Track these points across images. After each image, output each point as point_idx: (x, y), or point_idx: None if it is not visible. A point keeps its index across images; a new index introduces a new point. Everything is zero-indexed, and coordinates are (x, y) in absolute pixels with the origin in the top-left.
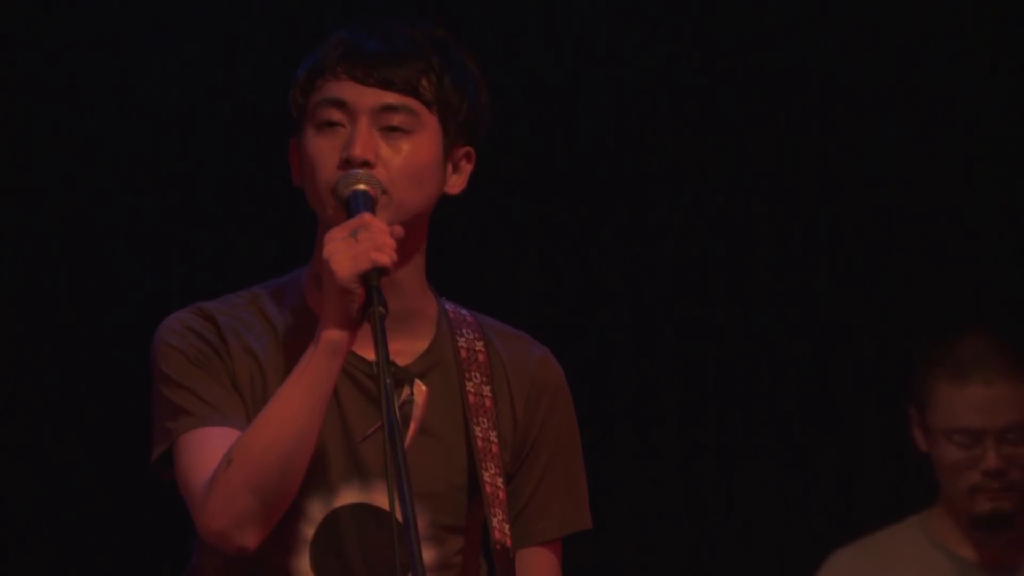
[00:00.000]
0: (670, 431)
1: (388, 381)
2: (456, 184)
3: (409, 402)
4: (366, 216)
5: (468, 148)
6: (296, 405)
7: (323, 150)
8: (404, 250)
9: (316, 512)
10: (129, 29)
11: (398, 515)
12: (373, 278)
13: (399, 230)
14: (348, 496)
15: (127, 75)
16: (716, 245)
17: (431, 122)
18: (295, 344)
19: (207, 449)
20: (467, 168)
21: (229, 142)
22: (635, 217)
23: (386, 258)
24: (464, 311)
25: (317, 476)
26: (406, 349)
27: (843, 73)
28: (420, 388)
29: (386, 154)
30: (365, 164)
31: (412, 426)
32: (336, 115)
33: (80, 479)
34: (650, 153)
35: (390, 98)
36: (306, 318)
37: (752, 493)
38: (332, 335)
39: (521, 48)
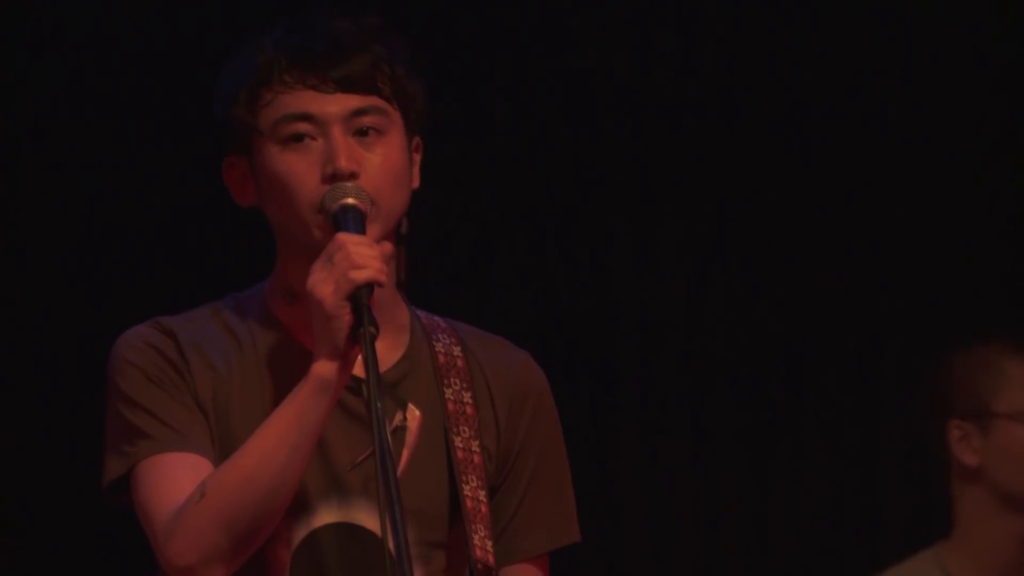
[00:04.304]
0: (680, 445)
1: (379, 405)
2: (415, 178)
3: (402, 427)
4: (339, 237)
5: (418, 138)
6: (278, 442)
7: (298, 168)
8: None
9: (294, 534)
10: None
11: (390, 544)
12: (363, 296)
13: (389, 247)
14: (327, 516)
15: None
16: (728, 251)
17: (396, 117)
18: (263, 356)
19: (170, 477)
20: (418, 159)
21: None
22: (646, 221)
23: (367, 274)
24: (437, 317)
25: (295, 496)
26: (380, 357)
27: (861, 80)
28: (414, 413)
29: (366, 160)
30: (353, 175)
31: (405, 454)
32: (303, 127)
33: (29, 505)
34: (658, 155)
35: (355, 101)
36: (273, 328)
37: (763, 518)
38: (321, 369)
39: (520, 50)
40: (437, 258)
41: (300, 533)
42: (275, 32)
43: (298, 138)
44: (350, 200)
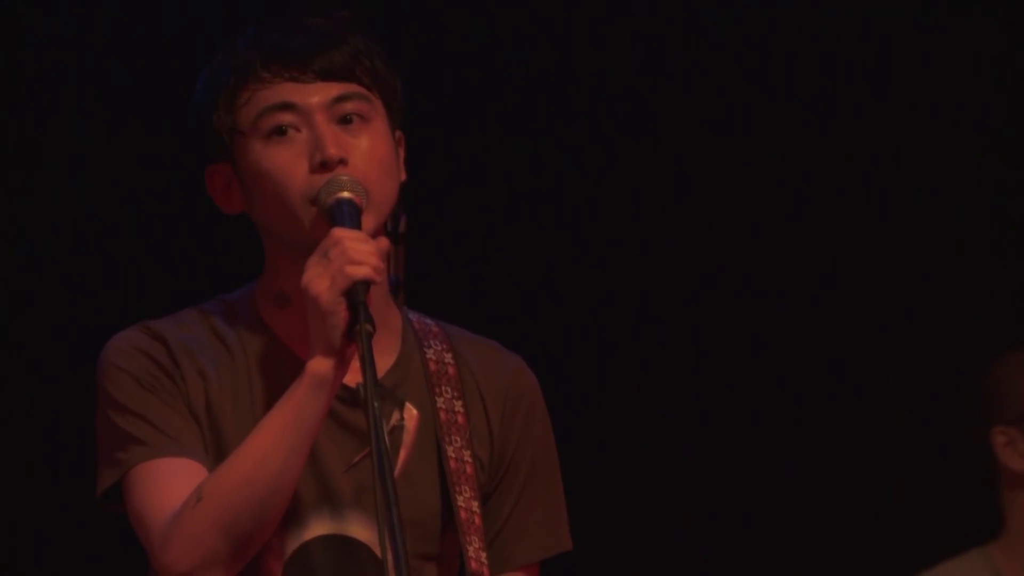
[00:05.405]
0: (681, 448)
1: (376, 404)
2: (402, 170)
3: (399, 428)
4: (335, 232)
5: (400, 131)
6: (276, 442)
7: (284, 160)
8: None
9: (285, 546)
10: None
11: (387, 548)
12: (359, 293)
13: (386, 243)
14: (319, 527)
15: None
16: (735, 248)
17: (379, 105)
18: (254, 364)
19: (165, 483)
20: (402, 153)
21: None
22: (648, 223)
23: (364, 270)
24: (429, 320)
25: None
26: (375, 359)
27: (882, 82)
28: (411, 412)
29: (352, 147)
30: (342, 162)
31: (402, 454)
32: (285, 119)
33: (21, 511)
34: (660, 156)
35: (336, 89)
36: (263, 335)
37: (765, 525)
38: (317, 366)
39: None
40: (434, 258)
41: (292, 545)
42: (247, 33)
43: (281, 131)
44: (346, 194)
